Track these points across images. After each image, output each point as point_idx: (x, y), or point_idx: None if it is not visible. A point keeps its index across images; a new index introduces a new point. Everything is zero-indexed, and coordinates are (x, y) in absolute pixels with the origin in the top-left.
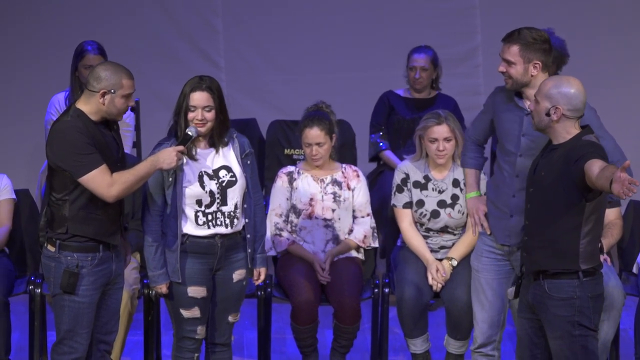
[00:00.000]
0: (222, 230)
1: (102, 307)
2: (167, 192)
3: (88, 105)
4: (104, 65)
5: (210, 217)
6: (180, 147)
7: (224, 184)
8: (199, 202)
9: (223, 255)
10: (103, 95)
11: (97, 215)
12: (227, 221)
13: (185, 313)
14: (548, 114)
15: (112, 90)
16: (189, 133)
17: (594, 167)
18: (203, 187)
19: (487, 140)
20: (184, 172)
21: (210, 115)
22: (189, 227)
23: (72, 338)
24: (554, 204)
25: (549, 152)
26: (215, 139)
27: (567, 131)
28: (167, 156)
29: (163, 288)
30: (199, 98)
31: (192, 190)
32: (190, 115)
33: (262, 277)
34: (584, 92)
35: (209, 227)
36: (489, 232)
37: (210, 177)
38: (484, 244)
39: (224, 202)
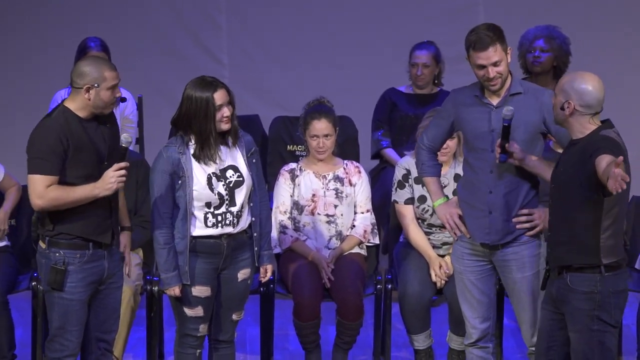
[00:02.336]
0: (229, 230)
1: (99, 305)
2: (176, 195)
3: (74, 102)
4: (85, 61)
5: (219, 217)
6: (122, 164)
7: (231, 185)
8: (208, 205)
9: (229, 255)
10: (87, 90)
11: (83, 213)
12: (235, 221)
13: (188, 312)
14: (562, 108)
15: (96, 84)
16: (124, 145)
17: (602, 162)
18: (212, 189)
19: (442, 147)
20: (192, 174)
21: (230, 109)
22: (197, 229)
23: (62, 335)
24: (573, 199)
25: (569, 147)
26: (232, 137)
27: (582, 126)
28: (106, 183)
29: (176, 290)
30: (222, 96)
31: (201, 194)
32: (218, 115)
33: (269, 274)
34: (599, 89)
35: (217, 228)
36: (468, 236)
37: (218, 179)
38: (463, 246)
39: (232, 202)
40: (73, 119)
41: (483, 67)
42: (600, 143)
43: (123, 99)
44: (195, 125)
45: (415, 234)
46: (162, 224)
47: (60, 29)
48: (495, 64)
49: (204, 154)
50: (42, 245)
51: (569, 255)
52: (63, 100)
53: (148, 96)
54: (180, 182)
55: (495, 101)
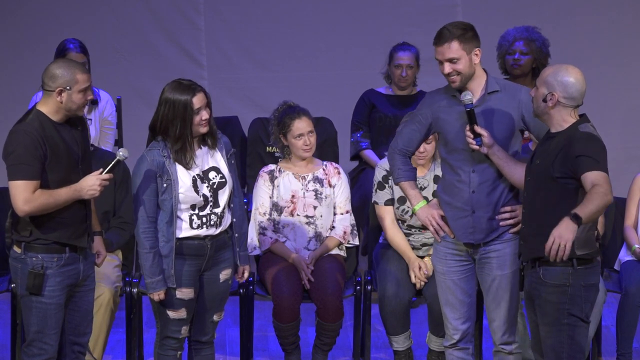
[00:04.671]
0: (213, 230)
1: (73, 309)
2: (161, 198)
3: (47, 106)
4: (56, 64)
5: (204, 219)
6: (107, 176)
7: (214, 186)
8: (193, 207)
9: (212, 256)
10: (60, 93)
11: (60, 219)
12: (219, 221)
13: (172, 314)
14: (545, 100)
15: (68, 87)
16: (120, 159)
17: (587, 182)
18: (197, 191)
19: (417, 151)
20: (177, 177)
21: (208, 112)
22: (183, 231)
23: (41, 339)
24: (549, 191)
25: (546, 140)
26: (210, 139)
27: (563, 119)
28: (90, 186)
29: (161, 294)
30: (201, 99)
31: (187, 196)
32: (197, 119)
33: (246, 275)
34: (582, 82)
35: (202, 229)
36: (452, 236)
37: (202, 180)
38: (446, 247)
39: (216, 204)
40: (47, 123)
41: (440, 62)
42: (584, 143)
43: (94, 101)
44: (172, 129)
45: (395, 235)
46: (147, 228)
47: (37, 31)
48: (451, 61)
49: (179, 158)
50: (17, 250)
51: (542, 247)
52: (35, 104)
53: (127, 98)
54: (165, 185)
55: (472, 100)
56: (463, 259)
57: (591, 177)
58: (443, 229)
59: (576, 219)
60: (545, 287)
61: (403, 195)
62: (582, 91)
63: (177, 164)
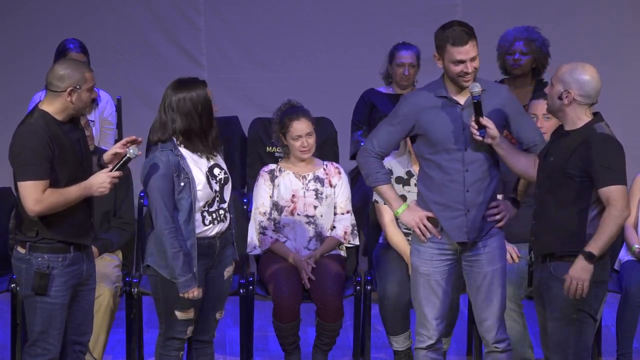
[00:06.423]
0: (221, 226)
1: (75, 308)
2: (178, 197)
3: (53, 106)
4: (61, 64)
5: (214, 215)
6: (117, 173)
7: (221, 182)
8: (205, 203)
9: (219, 253)
10: (70, 93)
11: (66, 218)
12: (225, 217)
13: (180, 315)
14: (560, 98)
15: (78, 86)
16: (130, 157)
17: (603, 198)
18: (211, 188)
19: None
20: (193, 175)
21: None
22: (200, 229)
23: (45, 339)
24: (563, 188)
25: (559, 137)
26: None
27: (577, 117)
28: (101, 183)
29: (196, 291)
30: (210, 93)
31: (204, 193)
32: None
33: (232, 268)
34: (598, 80)
35: (214, 225)
36: (439, 237)
37: (211, 177)
38: (432, 247)
39: (222, 199)
40: (52, 122)
41: (461, 62)
42: (603, 148)
43: (94, 100)
44: (197, 124)
45: (394, 235)
46: (172, 228)
47: (37, 31)
48: (472, 59)
49: (201, 150)
50: (21, 250)
51: (554, 243)
52: (38, 103)
53: (127, 98)
54: (183, 184)
55: (462, 100)
56: (448, 259)
57: (607, 194)
58: (431, 231)
59: (590, 258)
60: (557, 281)
61: (403, 193)
62: (597, 89)
63: (189, 162)
